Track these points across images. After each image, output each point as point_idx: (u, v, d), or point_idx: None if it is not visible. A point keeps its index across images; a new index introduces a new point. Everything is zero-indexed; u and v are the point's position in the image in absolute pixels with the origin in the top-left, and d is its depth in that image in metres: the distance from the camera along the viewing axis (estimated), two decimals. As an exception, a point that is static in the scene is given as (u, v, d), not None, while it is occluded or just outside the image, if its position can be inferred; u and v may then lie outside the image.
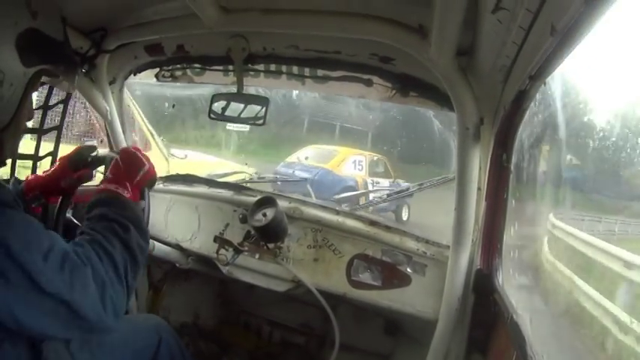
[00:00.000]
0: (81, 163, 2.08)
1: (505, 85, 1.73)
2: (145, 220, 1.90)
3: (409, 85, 2.37)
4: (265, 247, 2.68)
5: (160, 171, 2.34)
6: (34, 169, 2.60)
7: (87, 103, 2.89)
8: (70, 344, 1.83)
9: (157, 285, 3.37)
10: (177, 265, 2.97)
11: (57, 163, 2.10)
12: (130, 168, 1.88)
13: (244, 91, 2.54)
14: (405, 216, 11.46)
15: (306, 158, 12.02)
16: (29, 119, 1.63)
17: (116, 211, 1.66)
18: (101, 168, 2.08)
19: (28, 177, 2.09)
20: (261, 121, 2.49)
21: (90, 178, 2.10)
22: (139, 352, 2.11)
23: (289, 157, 12.52)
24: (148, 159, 1.96)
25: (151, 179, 1.96)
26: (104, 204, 1.69)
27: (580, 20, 1.08)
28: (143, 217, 1.83)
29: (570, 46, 1.21)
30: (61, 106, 2.73)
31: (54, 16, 1.60)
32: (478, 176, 2.17)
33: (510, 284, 2.24)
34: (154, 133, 4.89)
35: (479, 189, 2.19)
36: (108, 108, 2.80)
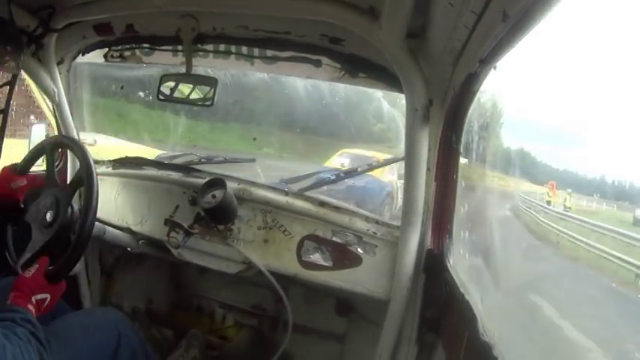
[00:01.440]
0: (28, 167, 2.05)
1: (455, 68, 1.75)
2: None
3: (358, 66, 2.38)
4: (215, 229, 2.68)
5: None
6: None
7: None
8: (29, 342, 1.81)
9: (108, 271, 3.34)
10: (129, 249, 2.93)
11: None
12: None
13: (193, 72, 2.52)
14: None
15: (342, 165, 12.03)
16: None
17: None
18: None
19: None
20: (209, 102, 2.46)
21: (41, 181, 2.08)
22: (98, 346, 2.08)
23: (328, 162, 12.46)
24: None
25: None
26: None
27: (532, 8, 1.09)
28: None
29: (522, 32, 1.23)
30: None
31: None
32: (427, 157, 2.19)
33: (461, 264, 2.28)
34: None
35: (428, 169, 2.20)
36: (56, 90, 2.73)
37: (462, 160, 2.15)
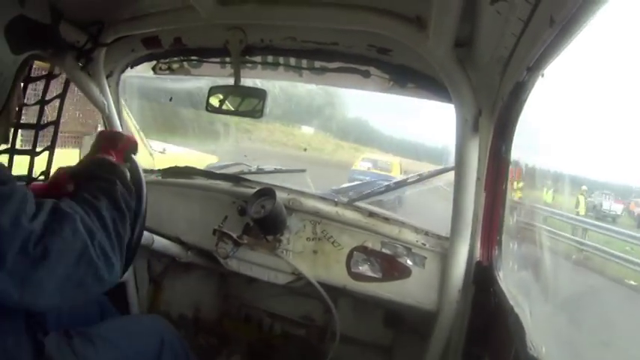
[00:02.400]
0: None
1: (503, 77, 1.72)
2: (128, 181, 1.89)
3: (407, 76, 2.36)
4: (264, 240, 2.69)
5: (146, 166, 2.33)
6: (31, 164, 2.59)
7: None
8: (72, 339, 1.83)
9: (157, 279, 3.36)
10: (177, 259, 2.95)
11: (57, 173, 2.05)
12: (110, 139, 1.95)
13: (241, 84, 2.53)
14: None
15: (368, 168, 13.04)
16: (19, 106, 1.62)
17: (101, 171, 1.73)
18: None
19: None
20: (259, 114, 2.47)
21: None
22: (141, 352, 2.10)
23: (356, 166, 13.66)
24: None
25: (131, 144, 2.01)
26: (92, 165, 1.78)
27: (579, 12, 1.07)
28: (127, 175, 1.87)
29: (569, 37, 1.20)
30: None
31: (41, 0, 1.59)
32: (477, 167, 2.16)
33: (511, 276, 2.24)
34: (138, 127, 4.80)
35: (478, 179, 2.18)
36: (105, 102, 2.78)
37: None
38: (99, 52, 2.59)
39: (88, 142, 3.09)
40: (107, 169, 1.74)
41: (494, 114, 1.95)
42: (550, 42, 1.25)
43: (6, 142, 1.65)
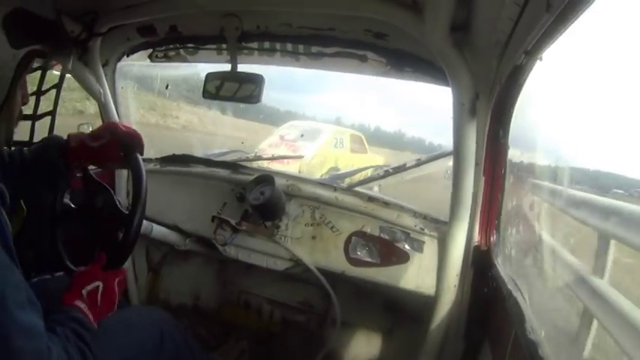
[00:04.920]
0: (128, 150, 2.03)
1: (501, 60, 1.72)
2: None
3: (404, 60, 2.36)
4: (263, 226, 2.70)
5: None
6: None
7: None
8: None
9: (155, 267, 3.38)
10: (176, 246, 2.96)
11: (106, 139, 2.00)
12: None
13: (238, 70, 2.52)
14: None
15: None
16: (24, 104, 1.61)
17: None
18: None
19: (70, 137, 1.99)
20: (256, 100, 2.47)
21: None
22: (141, 343, 2.10)
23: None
24: None
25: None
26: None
27: None
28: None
29: (566, 23, 1.21)
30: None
31: None
32: (476, 152, 2.16)
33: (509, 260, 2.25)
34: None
35: (477, 164, 2.18)
36: (102, 91, 2.77)
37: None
38: (94, 42, 2.58)
39: (84, 130, 3.08)
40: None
41: (492, 98, 1.95)
42: (547, 27, 1.25)
43: (10, 137, 1.62)
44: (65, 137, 1.99)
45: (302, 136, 11.65)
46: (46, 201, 2.00)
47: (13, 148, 1.94)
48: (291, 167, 8.39)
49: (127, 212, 1.94)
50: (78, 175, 2.05)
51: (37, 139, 2.65)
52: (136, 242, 1.92)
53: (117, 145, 1.95)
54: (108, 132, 1.97)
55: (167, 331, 2.17)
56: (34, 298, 1.36)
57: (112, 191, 2.02)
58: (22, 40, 1.44)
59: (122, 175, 2.95)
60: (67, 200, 2.16)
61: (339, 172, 3.17)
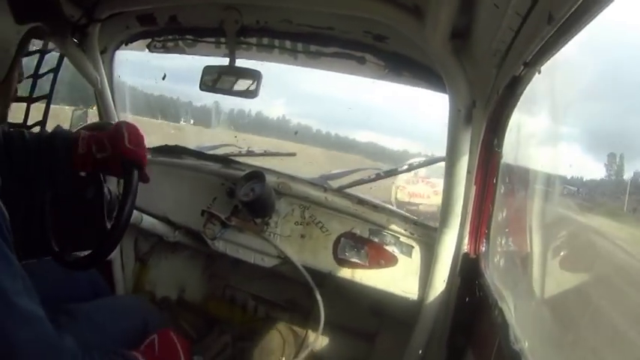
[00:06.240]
0: None
1: (499, 70, 1.72)
2: None
3: (402, 64, 2.37)
4: (252, 222, 2.69)
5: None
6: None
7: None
8: (59, 316, 1.81)
9: (143, 258, 3.36)
10: (164, 238, 2.95)
11: (109, 153, 1.92)
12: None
13: (236, 64, 2.52)
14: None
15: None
16: (19, 82, 1.60)
17: None
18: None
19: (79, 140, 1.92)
20: (252, 95, 2.46)
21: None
22: (126, 331, 2.09)
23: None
24: None
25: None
26: None
27: (578, 12, 1.06)
28: None
29: (567, 35, 1.20)
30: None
31: None
32: (468, 160, 2.16)
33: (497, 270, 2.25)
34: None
35: (469, 172, 2.18)
36: (99, 77, 2.76)
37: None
38: (93, 28, 2.57)
39: (79, 116, 3.07)
40: None
41: (489, 106, 1.94)
42: (548, 39, 1.25)
43: (4, 118, 1.60)
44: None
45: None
46: (40, 190, 1.99)
47: (11, 129, 1.93)
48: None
49: (117, 201, 1.93)
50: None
51: (30, 122, 2.63)
52: (125, 232, 1.91)
53: (119, 161, 1.93)
54: (112, 144, 1.92)
55: (151, 321, 2.17)
56: (31, 287, 1.36)
57: (102, 180, 2.00)
58: (26, 15, 1.43)
59: None
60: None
61: (329, 173, 3.14)
